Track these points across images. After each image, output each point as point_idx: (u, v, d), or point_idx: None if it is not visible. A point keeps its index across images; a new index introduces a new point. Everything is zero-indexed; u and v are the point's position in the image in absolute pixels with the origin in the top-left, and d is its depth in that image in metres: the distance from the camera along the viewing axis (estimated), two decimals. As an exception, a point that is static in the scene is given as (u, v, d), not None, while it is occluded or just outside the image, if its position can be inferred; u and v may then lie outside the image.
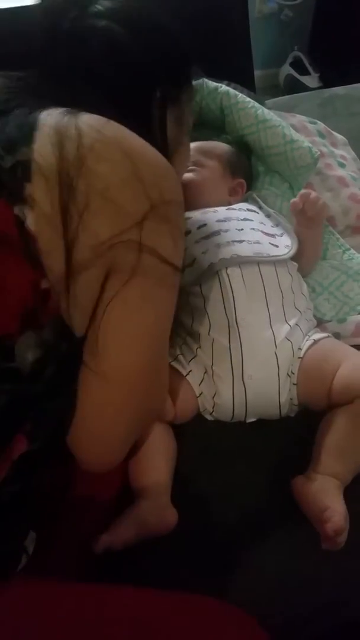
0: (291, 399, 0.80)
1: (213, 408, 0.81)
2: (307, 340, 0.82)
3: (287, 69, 2.49)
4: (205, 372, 0.81)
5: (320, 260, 1.01)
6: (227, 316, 0.81)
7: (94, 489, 0.73)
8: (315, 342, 0.82)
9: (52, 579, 0.57)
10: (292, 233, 0.92)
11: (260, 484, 0.77)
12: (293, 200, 0.94)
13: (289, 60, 2.49)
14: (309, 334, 0.84)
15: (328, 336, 0.84)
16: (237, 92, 1.10)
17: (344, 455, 0.73)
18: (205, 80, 1.11)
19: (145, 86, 0.62)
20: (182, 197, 0.58)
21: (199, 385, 0.81)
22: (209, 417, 0.82)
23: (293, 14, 2.39)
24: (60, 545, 0.68)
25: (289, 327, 0.81)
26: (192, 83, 0.72)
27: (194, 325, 0.83)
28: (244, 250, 0.85)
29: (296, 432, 0.80)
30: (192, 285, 0.85)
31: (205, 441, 0.81)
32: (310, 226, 0.94)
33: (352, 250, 1.03)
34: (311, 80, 2.39)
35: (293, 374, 0.79)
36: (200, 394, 0.81)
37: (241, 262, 0.84)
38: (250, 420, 0.81)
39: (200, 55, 1.31)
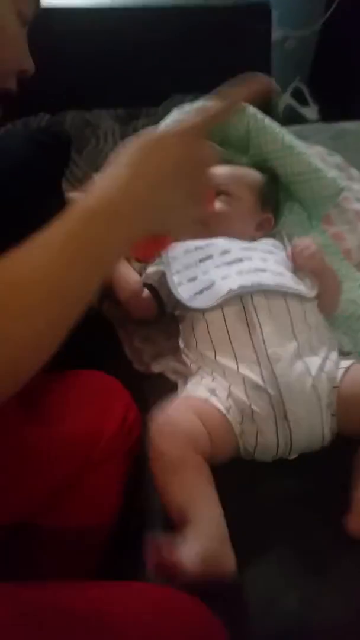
0: (330, 428, 0.77)
1: (255, 448, 0.76)
2: (339, 369, 0.79)
3: (287, 98, 2.51)
4: (243, 410, 0.76)
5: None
6: (255, 350, 0.77)
7: (90, 518, 0.72)
8: (348, 369, 0.79)
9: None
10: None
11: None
12: (287, 250, 0.91)
13: (289, 90, 2.52)
14: (339, 364, 0.81)
15: (354, 362, 0.82)
16: (263, 115, 1.08)
17: None
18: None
19: None
20: None
21: (240, 424, 0.76)
22: (247, 458, 0.78)
23: (297, 44, 2.42)
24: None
25: (319, 358, 0.79)
26: None
27: (217, 358, 0.79)
28: (267, 280, 0.82)
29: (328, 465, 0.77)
30: (209, 312, 0.81)
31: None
32: (312, 274, 0.88)
33: (367, 284, 1.02)
34: (310, 112, 2.42)
35: (332, 404, 0.77)
36: (240, 433, 0.76)
37: (264, 291, 0.80)
38: (293, 457, 0.78)
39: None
